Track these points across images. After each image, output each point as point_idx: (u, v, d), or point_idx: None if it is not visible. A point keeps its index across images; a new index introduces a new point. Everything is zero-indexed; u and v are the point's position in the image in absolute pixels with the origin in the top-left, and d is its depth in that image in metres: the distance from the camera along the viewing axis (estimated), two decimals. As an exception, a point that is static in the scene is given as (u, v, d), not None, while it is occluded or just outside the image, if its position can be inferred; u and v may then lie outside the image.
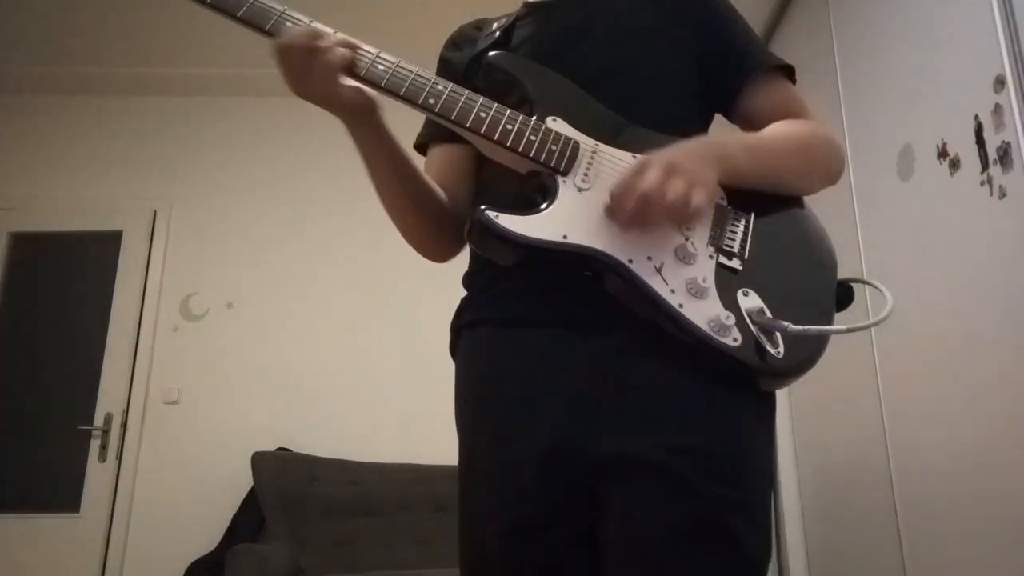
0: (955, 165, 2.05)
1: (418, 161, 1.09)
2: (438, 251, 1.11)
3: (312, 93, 0.91)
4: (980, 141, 1.93)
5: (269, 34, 0.91)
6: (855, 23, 2.74)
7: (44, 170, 3.99)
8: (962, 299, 2.02)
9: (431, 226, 1.07)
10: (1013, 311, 1.82)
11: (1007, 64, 1.84)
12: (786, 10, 3.36)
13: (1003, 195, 1.84)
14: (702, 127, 1.09)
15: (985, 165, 1.92)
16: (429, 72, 0.93)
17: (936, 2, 2.21)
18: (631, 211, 0.83)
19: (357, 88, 0.92)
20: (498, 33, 1.12)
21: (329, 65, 0.89)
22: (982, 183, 1.92)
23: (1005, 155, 1.83)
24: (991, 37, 1.90)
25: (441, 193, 1.08)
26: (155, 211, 3.94)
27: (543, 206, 0.88)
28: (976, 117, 1.94)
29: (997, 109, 1.87)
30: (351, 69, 0.91)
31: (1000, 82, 1.86)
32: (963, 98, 2.01)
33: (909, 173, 2.30)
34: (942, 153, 2.11)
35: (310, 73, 0.89)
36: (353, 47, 0.91)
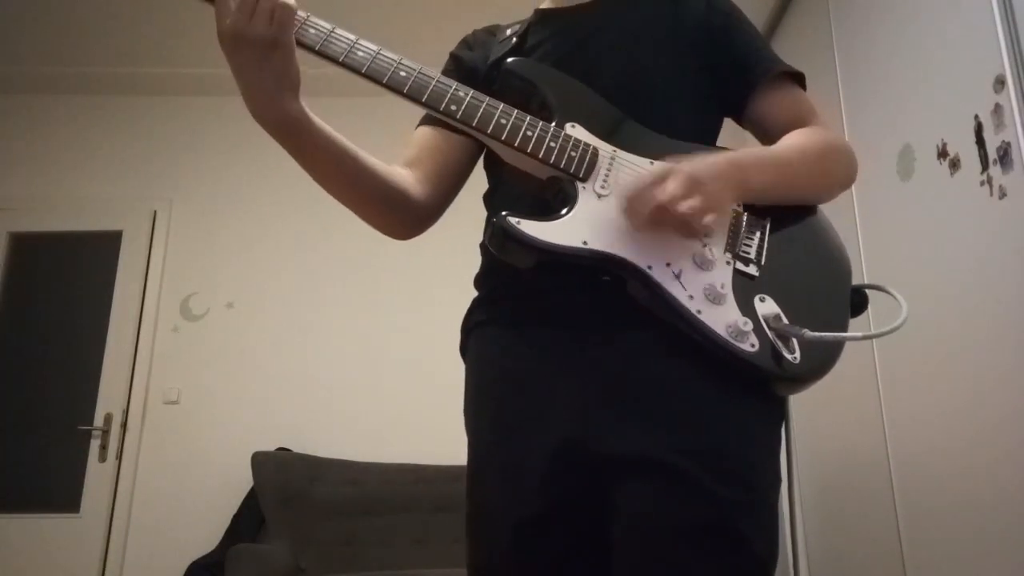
0: (955, 165, 2.05)
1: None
2: (392, 230, 1.07)
3: (258, 33, 0.84)
4: (980, 141, 1.93)
5: None
6: (855, 23, 2.74)
7: (44, 170, 3.99)
8: (962, 299, 2.02)
9: (377, 205, 1.03)
10: (1013, 311, 1.82)
11: (1007, 64, 1.84)
12: (786, 10, 3.36)
13: (1003, 195, 1.85)
14: (713, 132, 1.10)
15: (985, 165, 1.92)
16: (450, 79, 0.93)
17: (936, 2, 2.21)
18: (646, 218, 0.85)
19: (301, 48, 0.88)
20: (514, 39, 1.12)
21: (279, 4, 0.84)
22: (982, 183, 1.92)
23: (1005, 155, 1.83)
24: (991, 37, 1.90)
25: (387, 172, 1.03)
26: (155, 211, 3.94)
27: (563, 212, 0.89)
28: (976, 117, 1.95)
29: (997, 109, 1.87)
30: (304, 43, 0.88)
31: (1000, 82, 1.86)
32: (963, 98, 2.01)
33: (909, 173, 2.30)
34: (942, 153, 2.11)
35: (258, 12, 0.84)
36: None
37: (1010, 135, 1.82)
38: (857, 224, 2.61)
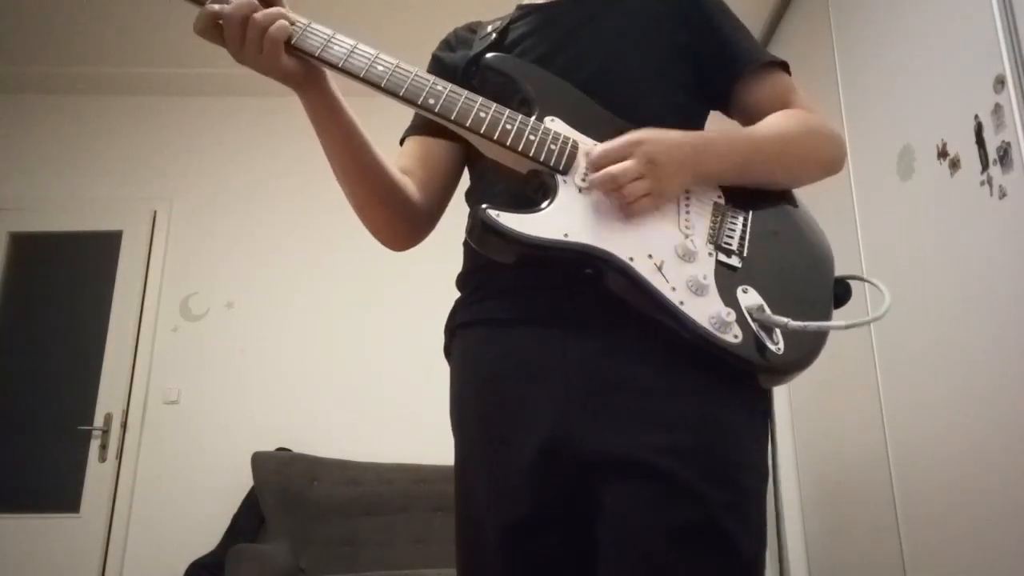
0: (955, 165, 2.05)
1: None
2: (394, 235, 1.09)
3: (251, 63, 0.89)
4: (980, 141, 1.93)
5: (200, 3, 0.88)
6: (855, 23, 2.74)
7: (44, 170, 3.99)
8: (962, 299, 2.02)
9: (384, 205, 1.05)
10: (1013, 311, 1.82)
11: (1007, 64, 1.84)
12: (786, 10, 3.36)
13: (1003, 195, 1.85)
14: (698, 125, 1.10)
15: (985, 165, 1.92)
16: (428, 73, 0.93)
17: (936, 2, 2.21)
18: (595, 182, 0.89)
19: (300, 60, 0.91)
20: (494, 35, 1.12)
21: (268, 37, 0.87)
22: (982, 183, 1.92)
23: (1005, 155, 1.83)
24: (991, 37, 1.90)
25: (398, 174, 1.06)
26: (155, 211, 3.94)
27: (544, 205, 0.89)
28: (976, 117, 1.94)
29: (997, 109, 1.87)
30: (295, 47, 0.90)
31: (1000, 82, 1.86)
32: (963, 98, 2.01)
33: (909, 173, 2.30)
34: (942, 153, 2.11)
35: (247, 43, 0.87)
36: (291, 20, 0.90)
37: (1010, 135, 1.81)
38: (857, 224, 2.61)
